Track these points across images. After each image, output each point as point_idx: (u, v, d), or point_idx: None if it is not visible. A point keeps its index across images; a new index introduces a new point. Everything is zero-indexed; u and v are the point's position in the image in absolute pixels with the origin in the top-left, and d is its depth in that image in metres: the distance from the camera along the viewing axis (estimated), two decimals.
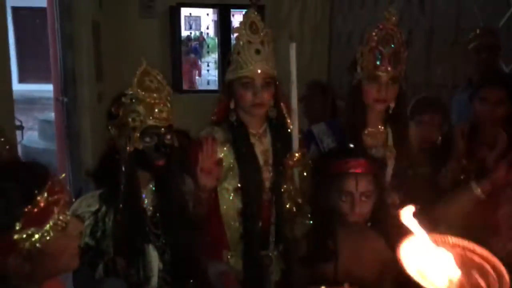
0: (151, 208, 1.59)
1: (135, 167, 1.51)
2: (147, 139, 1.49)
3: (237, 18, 7.24)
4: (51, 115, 5.82)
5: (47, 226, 0.99)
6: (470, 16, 3.41)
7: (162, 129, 1.50)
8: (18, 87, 11.35)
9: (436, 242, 1.08)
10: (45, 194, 0.98)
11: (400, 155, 1.86)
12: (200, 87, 7.73)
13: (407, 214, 1.05)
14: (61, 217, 1.01)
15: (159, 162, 1.51)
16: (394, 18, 1.77)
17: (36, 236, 0.98)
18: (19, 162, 1.29)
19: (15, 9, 11.93)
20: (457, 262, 1.05)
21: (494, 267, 1.07)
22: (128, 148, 1.46)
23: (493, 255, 1.10)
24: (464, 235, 1.85)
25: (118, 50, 5.65)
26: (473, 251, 1.12)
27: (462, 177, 2.00)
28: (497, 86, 2.07)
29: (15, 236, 0.96)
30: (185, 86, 7.56)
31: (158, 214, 1.59)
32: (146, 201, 1.59)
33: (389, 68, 1.76)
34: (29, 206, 0.96)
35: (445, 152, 2.19)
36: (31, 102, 10.18)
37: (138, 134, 1.47)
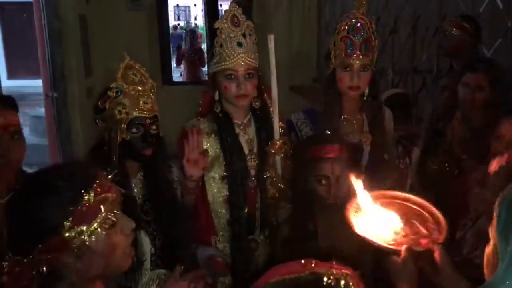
0: (140, 197, 1.67)
1: (124, 157, 1.57)
2: (134, 130, 1.56)
3: (225, 7, 7.26)
4: (42, 111, 5.82)
5: (95, 224, 1.01)
6: (452, 3, 3.47)
7: (147, 120, 1.57)
8: (7, 83, 11.29)
9: (376, 198, 1.16)
10: (92, 193, 1.01)
11: (376, 140, 1.93)
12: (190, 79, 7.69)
13: (355, 180, 1.13)
14: (109, 215, 1.03)
15: (146, 152, 1.59)
16: (363, 7, 1.83)
17: (86, 233, 1.00)
18: (69, 163, 1.32)
19: (1, 4, 11.83)
20: (398, 214, 1.14)
21: (431, 214, 1.17)
22: (116, 138, 1.53)
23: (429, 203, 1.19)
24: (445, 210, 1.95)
25: (106, 43, 5.64)
26: (411, 201, 1.20)
27: (447, 168, 2.10)
28: (478, 71, 2.16)
29: (66, 234, 0.99)
30: (189, 78, 7.56)
31: (147, 202, 1.66)
32: (135, 190, 1.66)
33: (360, 56, 1.83)
34: (77, 205, 1.00)
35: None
36: (21, 98, 10.08)
37: (125, 126, 1.54)
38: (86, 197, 1.00)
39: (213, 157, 1.81)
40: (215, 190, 1.84)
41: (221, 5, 6.72)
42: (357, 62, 1.83)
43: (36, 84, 9.28)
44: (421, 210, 1.18)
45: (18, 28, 11.59)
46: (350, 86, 1.87)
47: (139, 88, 1.55)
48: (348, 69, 1.85)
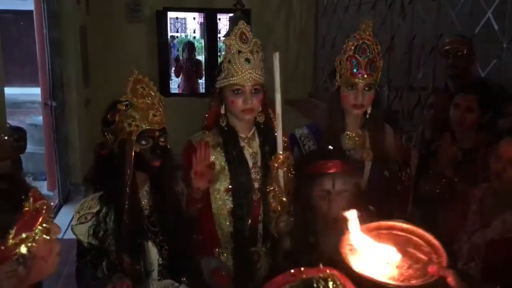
0: (147, 208, 1.69)
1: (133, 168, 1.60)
2: (143, 142, 1.59)
3: (223, 22, 7.36)
4: (38, 119, 5.82)
5: (36, 230, 1.06)
6: (448, 23, 3.56)
7: (157, 132, 1.61)
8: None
9: (365, 232, 1.08)
10: (31, 201, 1.06)
11: (377, 156, 1.98)
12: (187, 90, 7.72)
13: (350, 216, 1.08)
14: (45, 223, 1.08)
15: (155, 163, 1.62)
16: (370, 29, 1.89)
17: (29, 240, 1.05)
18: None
19: None
20: (391, 245, 1.07)
21: (420, 237, 1.10)
22: (130, 151, 1.56)
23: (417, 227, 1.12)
24: (438, 230, 1.99)
25: (106, 54, 5.69)
26: (397, 229, 1.12)
27: (437, 190, 2.14)
28: (468, 93, 2.21)
29: (10, 242, 1.03)
30: (186, 90, 7.61)
31: (154, 213, 1.69)
32: (143, 201, 1.68)
33: (365, 76, 1.89)
34: (19, 213, 1.04)
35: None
36: (16, 105, 10.09)
37: (134, 138, 1.57)
38: (26, 205, 1.05)
39: (218, 170, 1.84)
40: (220, 202, 1.87)
41: (219, 19, 6.80)
42: (362, 81, 1.89)
43: (31, 92, 9.25)
44: (410, 236, 1.10)
45: (15, 36, 11.59)
46: (354, 104, 1.92)
47: (148, 101, 1.59)
48: (353, 87, 1.91)
